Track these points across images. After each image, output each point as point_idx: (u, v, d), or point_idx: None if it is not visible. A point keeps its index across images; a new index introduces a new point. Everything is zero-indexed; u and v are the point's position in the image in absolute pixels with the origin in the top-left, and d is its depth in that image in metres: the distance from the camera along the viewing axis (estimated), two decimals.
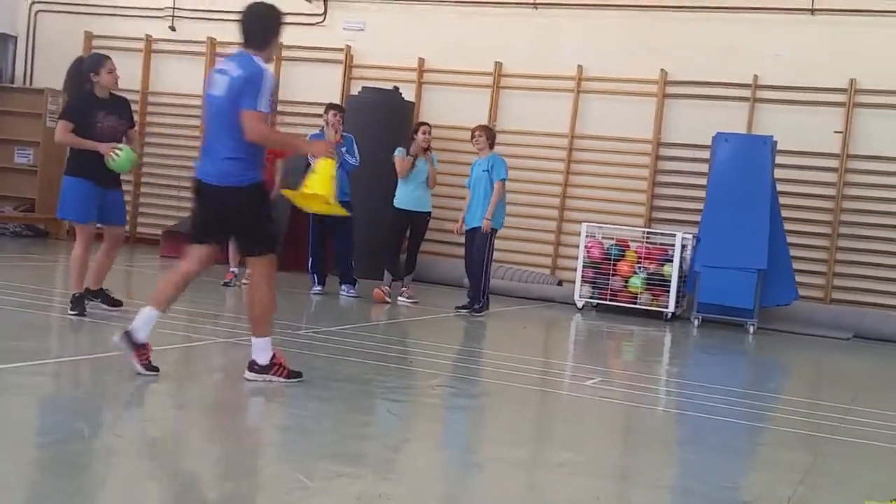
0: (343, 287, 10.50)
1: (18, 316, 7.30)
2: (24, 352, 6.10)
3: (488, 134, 10.27)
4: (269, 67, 5.56)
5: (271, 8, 5.61)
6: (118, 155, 7.05)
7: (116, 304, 7.78)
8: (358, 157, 10.44)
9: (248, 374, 5.69)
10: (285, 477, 3.96)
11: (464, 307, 10.09)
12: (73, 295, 7.40)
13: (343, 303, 10.18)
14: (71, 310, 7.36)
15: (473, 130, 10.39)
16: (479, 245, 9.98)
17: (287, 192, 6.01)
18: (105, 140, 7.24)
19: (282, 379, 5.67)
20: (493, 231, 10.00)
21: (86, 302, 7.46)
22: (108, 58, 7.41)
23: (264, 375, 5.66)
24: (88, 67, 7.31)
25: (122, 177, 7.65)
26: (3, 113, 14.77)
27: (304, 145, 6.43)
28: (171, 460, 4.13)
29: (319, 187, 5.65)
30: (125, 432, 4.54)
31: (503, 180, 9.96)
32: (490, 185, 9.94)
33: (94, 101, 7.28)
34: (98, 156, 7.16)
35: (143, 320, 5.49)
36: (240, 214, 5.52)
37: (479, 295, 10.04)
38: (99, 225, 7.60)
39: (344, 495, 3.80)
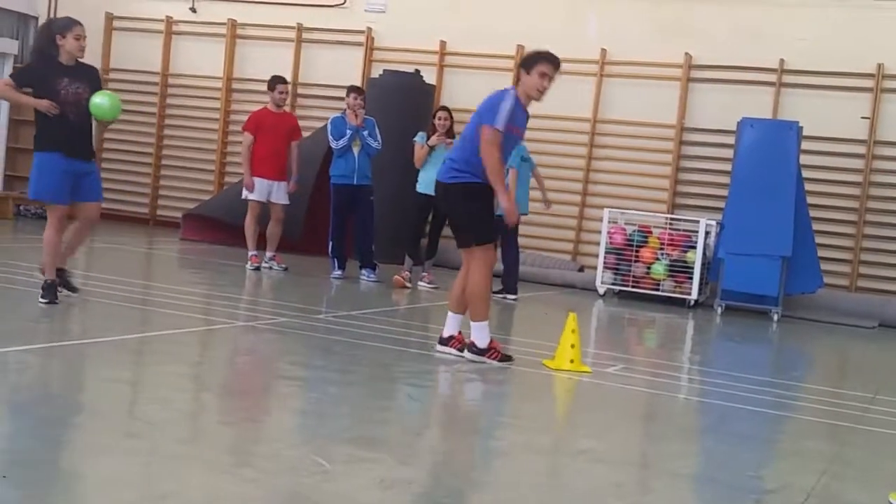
0: (363, 271, 10.46)
1: (36, 297, 7.30)
2: (42, 333, 6.10)
3: None
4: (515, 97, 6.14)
5: (536, 53, 6.35)
6: (102, 101, 6.63)
7: (73, 290, 7.18)
8: (380, 141, 10.40)
9: (467, 355, 6.26)
10: (304, 461, 3.93)
11: None
12: (45, 282, 6.89)
13: (363, 287, 10.15)
14: (42, 297, 6.82)
15: None
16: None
17: (549, 364, 6.48)
18: (70, 108, 6.69)
19: (496, 362, 6.22)
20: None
21: (59, 290, 6.96)
22: (78, 23, 6.87)
23: (482, 357, 6.23)
24: (57, 29, 6.80)
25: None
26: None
27: (504, 195, 6.33)
28: (190, 444, 4.11)
29: (572, 359, 6.41)
30: (146, 415, 4.53)
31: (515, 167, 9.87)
32: (528, 172, 10.18)
33: (56, 67, 6.76)
34: (69, 127, 6.68)
35: (454, 324, 6.34)
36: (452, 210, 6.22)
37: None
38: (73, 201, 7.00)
39: (365, 479, 3.76)
